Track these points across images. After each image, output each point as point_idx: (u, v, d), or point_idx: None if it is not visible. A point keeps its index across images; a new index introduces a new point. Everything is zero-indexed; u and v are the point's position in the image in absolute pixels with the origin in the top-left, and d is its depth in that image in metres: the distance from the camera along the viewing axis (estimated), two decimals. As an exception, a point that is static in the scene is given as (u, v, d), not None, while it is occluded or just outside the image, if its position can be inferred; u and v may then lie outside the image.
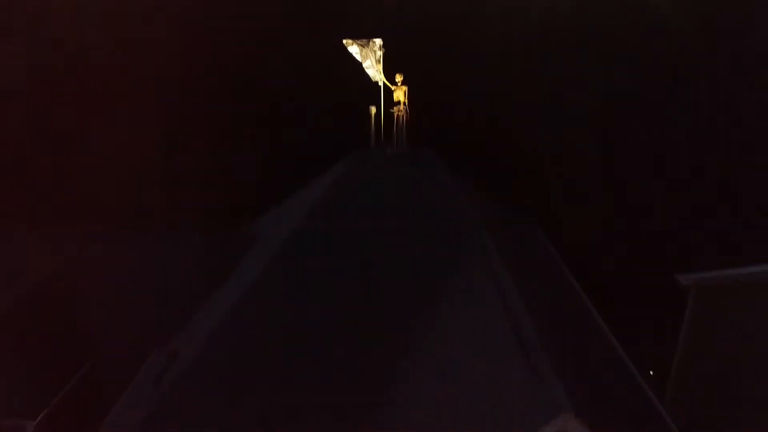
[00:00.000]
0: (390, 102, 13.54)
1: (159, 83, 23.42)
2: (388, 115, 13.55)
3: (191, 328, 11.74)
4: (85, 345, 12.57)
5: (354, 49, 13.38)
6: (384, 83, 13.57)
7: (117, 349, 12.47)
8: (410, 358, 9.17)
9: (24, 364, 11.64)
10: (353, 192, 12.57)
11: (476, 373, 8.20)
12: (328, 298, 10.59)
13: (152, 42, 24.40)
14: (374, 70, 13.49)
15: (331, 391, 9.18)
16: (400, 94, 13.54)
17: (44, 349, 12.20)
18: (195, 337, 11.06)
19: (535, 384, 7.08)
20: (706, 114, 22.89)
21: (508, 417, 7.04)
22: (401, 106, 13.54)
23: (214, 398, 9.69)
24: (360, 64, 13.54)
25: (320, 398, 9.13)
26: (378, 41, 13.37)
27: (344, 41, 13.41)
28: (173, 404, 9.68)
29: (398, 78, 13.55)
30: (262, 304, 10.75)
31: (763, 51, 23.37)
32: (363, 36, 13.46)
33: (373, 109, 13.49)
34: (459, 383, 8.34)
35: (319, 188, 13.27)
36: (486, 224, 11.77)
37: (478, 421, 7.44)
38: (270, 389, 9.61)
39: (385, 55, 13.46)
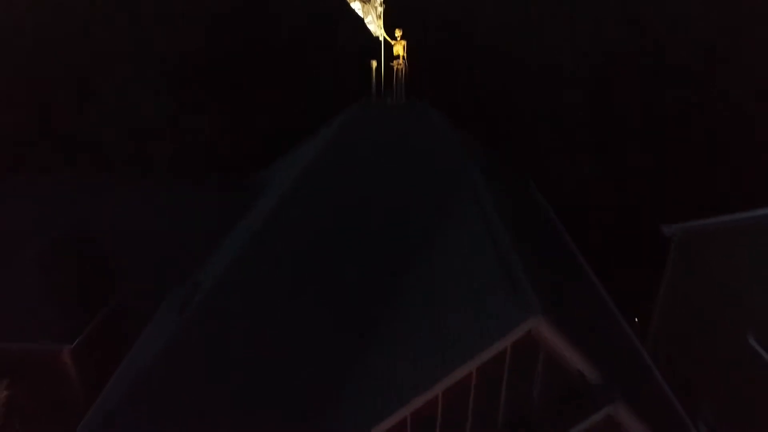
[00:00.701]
0: (390, 56, 14.24)
1: (164, 36, 24.03)
2: (389, 68, 14.27)
3: (211, 263, 12.94)
4: (114, 279, 13.82)
5: (356, 5, 13.96)
6: (384, 38, 14.25)
7: (143, 283, 13.74)
8: (405, 276, 10.47)
9: (61, 295, 12.90)
10: (355, 141, 13.48)
11: (460, 285, 9.41)
12: (332, 233, 11.74)
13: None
14: (375, 26, 14.12)
15: (343, 303, 10.49)
16: (399, 48, 14.16)
17: (79, 283, 13.48)
18: (214, 269, 12.27)
19: (511, 292, 8.25)
20: (696, 71, 23.46)
21: (486, 319, 8.25)
22: (400, 60, 14.20)
23: (232, 322, 10.96)
24: (362, 19, 14.17)
25: (332, 311, 10.44)
26: (379, -3, 13.96)
27: None
28: (197, 329, 10.93)
29: (398, 33, 14.13)
30: (272, 241, 11.88)
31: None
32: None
33: (374, 63, 14.21)
34: (445, 294, 9.57)
35: (323, 138, 14.22)
36: (476, 166, 12.76)
37: (459, 323, 8.67)
38: (285, 309, 10.88)
39: (385, 11, 14.10)
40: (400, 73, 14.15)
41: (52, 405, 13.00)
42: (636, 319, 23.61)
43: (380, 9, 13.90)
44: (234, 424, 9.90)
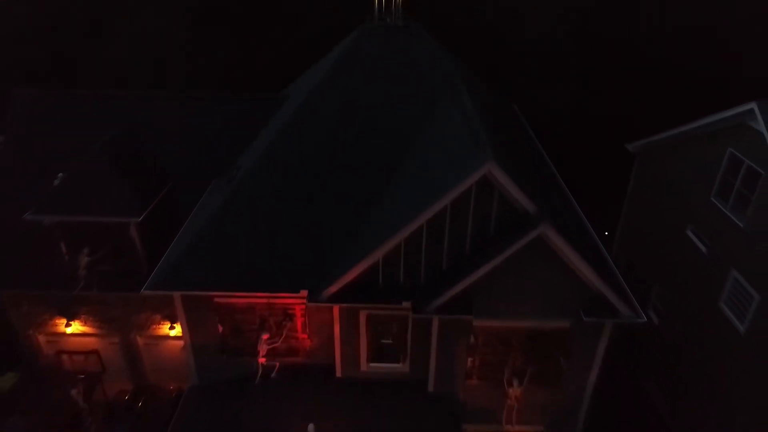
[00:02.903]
0: None
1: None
2: None
3: (248, 154, 16.59)
4: (170, 168, 17.56)
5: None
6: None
7: (193, 171, 17.48)
8: (402, 154, 14.13)
9: (130, 179, 16.55)
10: (360, 56, 16.79)
11: (441, 153, 13.07)
12: (344, 125, 15.32)
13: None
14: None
15: (353, 192, 14.17)
16: (397, -25, 17.20)
17: (143, 169, 17.19)
18: (251, 157, 15.92)
19: (475, 149, 11.87)
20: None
21: (457, 168, 11.91)
22: (399, -14, 17.30)
23: (268, 191, 14.61)
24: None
25: (348, 184, 14.14)
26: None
27: None
28: (240, 196, 14.60)
29: (396, -39, 17.15)
30: (296, 132, 15.43)
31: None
32: None
33: None
34: (431, 160, 13.24)
35: (334, 55, 17.62)
36: (459, 76, 16.18)
37: (439, 175, 12.35)
38: (307, 183, 14.57)
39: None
40: (398, -1, 17.31)
41: (124, 268, 16.80)
42: (606, 233, 27.35)
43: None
44: (267, 267, 13.63)
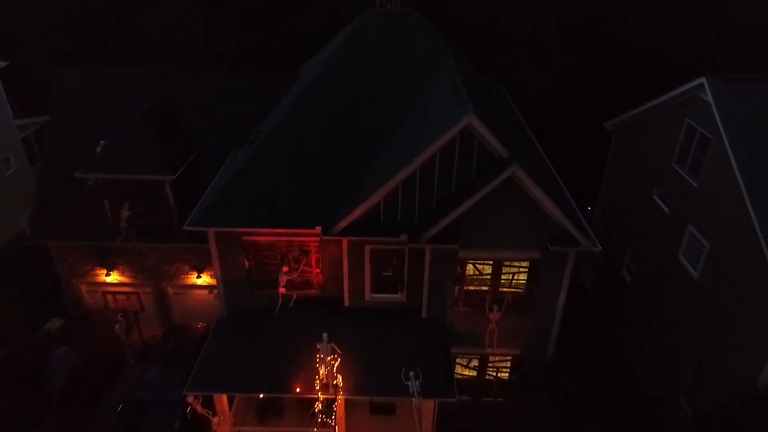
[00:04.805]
0: None
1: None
2: None
3: (267, 121, 19.58)
4: (194, 138, 20.59)
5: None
6: (383, -45, 20.25)
7: (214, 141, 20.49)
8: (401, 119, 17.11)
9: (165, 143, 19.54)
10: (363, 40, 19.74)
11: (432, 115, 16.04)
12: (349, 98, 18.29)
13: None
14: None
15: (359, 149, 17.10)
16: (396, -37, 20.21)
17: (176, 134, 20.19)
18: (270, 122, 18.90)
19: (458, 106, 14.84)
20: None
21: (443, 122, 14.86)
22: (397, -25, 20.33)
23: (285, 148, 17.56)
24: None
25: (354, 141, 17.11)
26: None
27: None
28: (262, 154, 17.55)
29: (395, -50, 20.12)
30: (307, 103, 18.36)
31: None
32: None
33: None
34: (425, 121, 16.20)
35: (340, 39, 20.64)
36: (451, 57, 19.18)
37: (430, 130, 15.31)
38: (319, 144, 17.52)
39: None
40: (397, -14, 20.35)
41: (159, 222, 19.73)
42: (589, 208, 30.11)
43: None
44: (288, 208, 16.54)
